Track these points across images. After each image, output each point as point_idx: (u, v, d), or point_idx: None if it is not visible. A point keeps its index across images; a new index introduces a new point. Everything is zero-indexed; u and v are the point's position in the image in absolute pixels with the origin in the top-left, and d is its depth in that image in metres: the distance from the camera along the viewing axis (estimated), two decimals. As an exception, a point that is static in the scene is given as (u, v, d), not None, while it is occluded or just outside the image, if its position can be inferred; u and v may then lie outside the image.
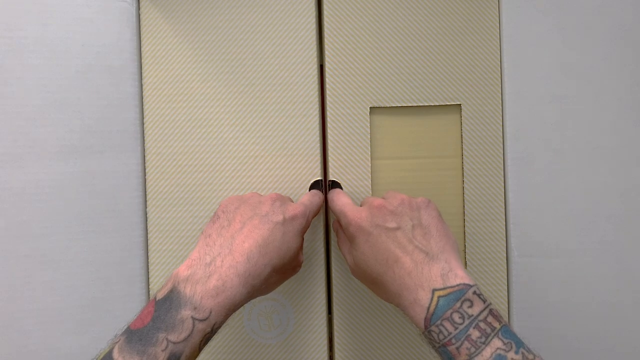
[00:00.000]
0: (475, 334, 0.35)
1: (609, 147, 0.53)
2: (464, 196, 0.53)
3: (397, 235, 0.41)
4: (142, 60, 0.53)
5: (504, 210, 0.53)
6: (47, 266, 0.50)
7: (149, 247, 0.52)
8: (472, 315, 0.36)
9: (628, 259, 0.53)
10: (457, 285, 0.37)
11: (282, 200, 0.44)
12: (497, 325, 0.36)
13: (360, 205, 0.45)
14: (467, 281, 0.37)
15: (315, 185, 0.52)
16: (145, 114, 0.53)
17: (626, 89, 0.53)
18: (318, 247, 0.52)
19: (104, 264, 0.51)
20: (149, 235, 0.52)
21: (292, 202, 0.46)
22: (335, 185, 0.52)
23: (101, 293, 0.51)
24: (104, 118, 0.51)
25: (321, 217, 0.52)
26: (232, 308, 0.37)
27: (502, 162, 0.53)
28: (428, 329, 0.37)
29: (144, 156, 0.52)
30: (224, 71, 0.52)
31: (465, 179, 0.53)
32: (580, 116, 0.53)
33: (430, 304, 0.37)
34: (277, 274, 0.41)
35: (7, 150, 0.50)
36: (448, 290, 0.37)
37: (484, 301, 0.37)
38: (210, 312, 0.36)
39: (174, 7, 0.52)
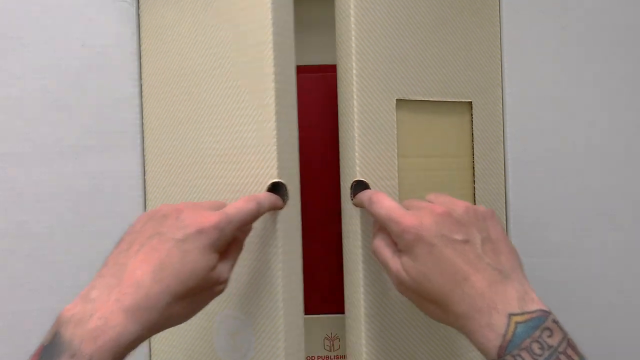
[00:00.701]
0: None
1: (609, 147, 0.53)
2: (474, 197, 0.52)
3: (465, 250, 0.36)
4: (142, 60, 0.53)
5: (504, 210, 0.53)
6: (47, 266, 0.50)
7: (149, 247, 0.52)
8: (552, 345, 0.33)
9: (628, 259, 0.53)
10: (535, 311, 0.34)
11: (193, 210, 0.37)
12: (576, 358, 0.33)
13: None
14: (543, 307, 0.34)
15: (275, 188, 0.44)
16: (145, 114, 0.53)
17: (626, 89, 0.53)
18: (272, 260, 0.44)
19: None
20: (149, 235, 0.52)
21: (211, 210, 0.38)
22: (362, 185, 0.45)
23: (101, 293, 0.51)
24: (104, 118, 0.51)
25: (286, 224, 0.44)
26: (120, 350, 0.31)
27: (503, 162, 0.53)
28: (502, 358, 0.33)
29: (144, 156, 0.52)
30: (223, 71, 0.52)
31: (475, 179, 0.52)
32: (581, 116, 0.53)
33: (507, 331, 0.33)
34: (182, 301, 0.35)
35: (7, 150, 0.50)
36: (527, 317, 0.33)
37: (562, 330, 0.34)
38: (90, 359, 0.30)
39: (173, 7, 0.52)
